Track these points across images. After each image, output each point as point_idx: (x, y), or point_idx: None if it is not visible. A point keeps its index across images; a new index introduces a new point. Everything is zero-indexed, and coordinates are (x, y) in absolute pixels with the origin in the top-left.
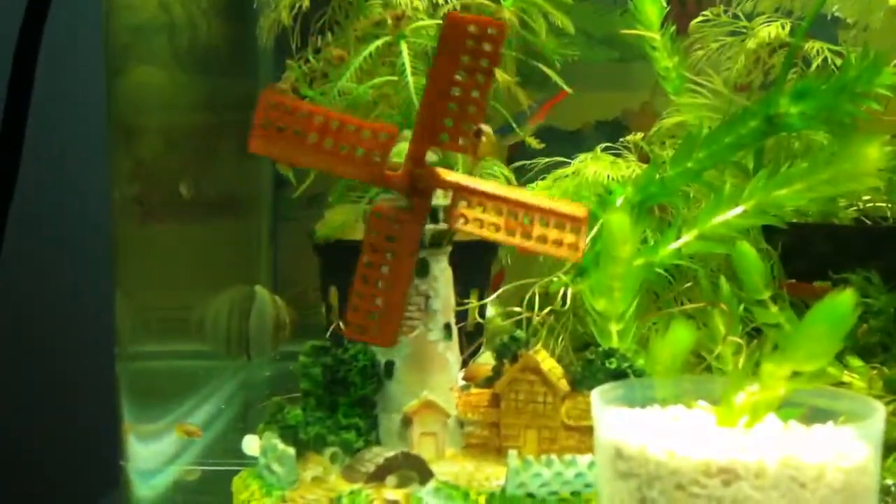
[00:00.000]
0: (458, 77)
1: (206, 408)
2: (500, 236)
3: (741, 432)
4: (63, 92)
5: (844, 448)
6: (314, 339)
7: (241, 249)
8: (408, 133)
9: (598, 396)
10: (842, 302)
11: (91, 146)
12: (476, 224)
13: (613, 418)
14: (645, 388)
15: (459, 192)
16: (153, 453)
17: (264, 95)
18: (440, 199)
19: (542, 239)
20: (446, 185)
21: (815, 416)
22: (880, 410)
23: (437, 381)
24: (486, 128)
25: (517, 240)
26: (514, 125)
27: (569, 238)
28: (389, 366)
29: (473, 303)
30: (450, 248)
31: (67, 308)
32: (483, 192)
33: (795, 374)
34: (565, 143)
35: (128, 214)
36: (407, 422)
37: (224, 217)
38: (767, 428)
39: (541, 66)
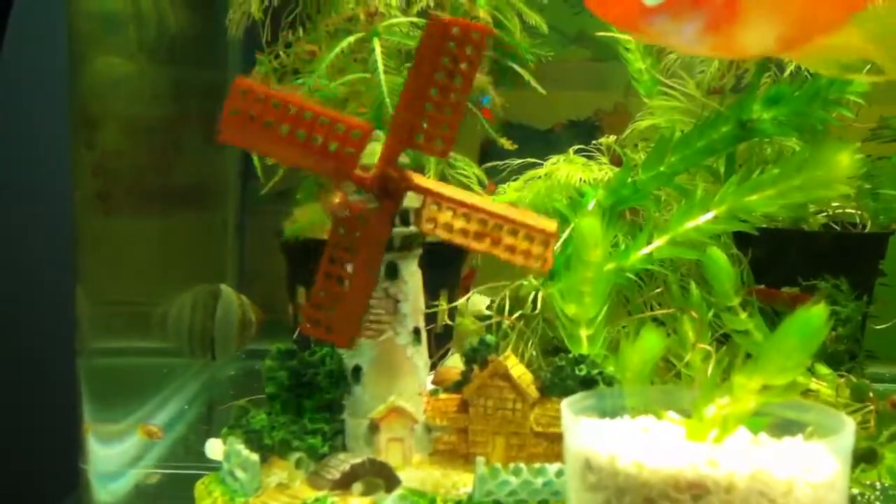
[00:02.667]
0: (437, 78)
1: (169, 408)
2: (468, 241)
3: (711, 446)
4: (24, 79)
5: (814, 463)
6: (281, 338)
7: (206, 244)
8: (380, 134)
9: (568, 406)
10: (813, 316)
11: (52, 136)
12: (445, 228)
13: (583, 429)
14: (615, 397)
15: (430, 196)
16: (114, 455)
17: (236, 82)
18: (412, 201)
19: (511, 249)
20: (418, 189)
21: (785, 426)
22: (850, 425)
23: (405, 386)
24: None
25: (485, 246)
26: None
27: (537, 249)
28: (357, 370)
29: (443, 305)
30: (420, 252)
31: (27, 302)
32: (453, 198)
33: (766, 387)
34: (537, 142)
35: (89, 207)
36: (374, 427)
37: (188, 210)
38: (737, 441)
39: (514, 66)
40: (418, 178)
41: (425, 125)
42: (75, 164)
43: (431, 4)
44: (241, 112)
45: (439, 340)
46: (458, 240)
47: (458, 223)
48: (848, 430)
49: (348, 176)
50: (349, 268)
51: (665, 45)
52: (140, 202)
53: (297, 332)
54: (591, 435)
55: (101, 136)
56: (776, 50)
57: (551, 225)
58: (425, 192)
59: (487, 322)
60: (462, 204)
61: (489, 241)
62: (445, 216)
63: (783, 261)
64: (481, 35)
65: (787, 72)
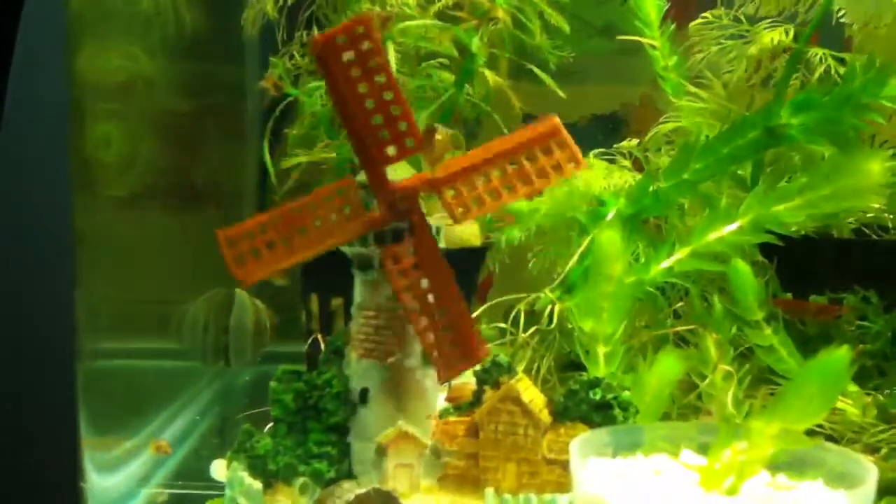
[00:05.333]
0: (361, 91)
1: (182, 418)
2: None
3: (725, 499)
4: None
5: None
6: (297, 341)
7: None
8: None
9: (579, 446)
10: (835, 360)
11: (51, 128)
12: (478, 205)
13: (590, 473)
14: (629, 433)
15: (440, 185)
16: (118, 473)
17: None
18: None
19: (542, 172)
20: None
21: (804, 462)
22: (872, 472)
23: (413, 409)
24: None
25: (523, 191)
26: None
27: (561, 155)
28: (364, 392)
29: None
30: None
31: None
32: (460, 171)
33: (785, 432)
34: None
35: (90, 203)
36: (381, 452)
37: (203, 209)
38: (753, 489)
39: (534, 68)
40: (417, 178)
41: (385, 135)
42: (74, 156)
43: (450, 4)
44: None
45: None
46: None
47: (484, 189)
48: (871, 478)
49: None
50: (431, 297)
51: None
52: (152, 200)
53: (310, 340)
54: (598, 481)
55: (103, 128)
56: None
57: (549, 122)
58: (432, 185)
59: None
60: (472, 169)
61: (519, 182)
62: (468, 193)
63: (811, 269)
64: (366, 25)
65: (817, 74)
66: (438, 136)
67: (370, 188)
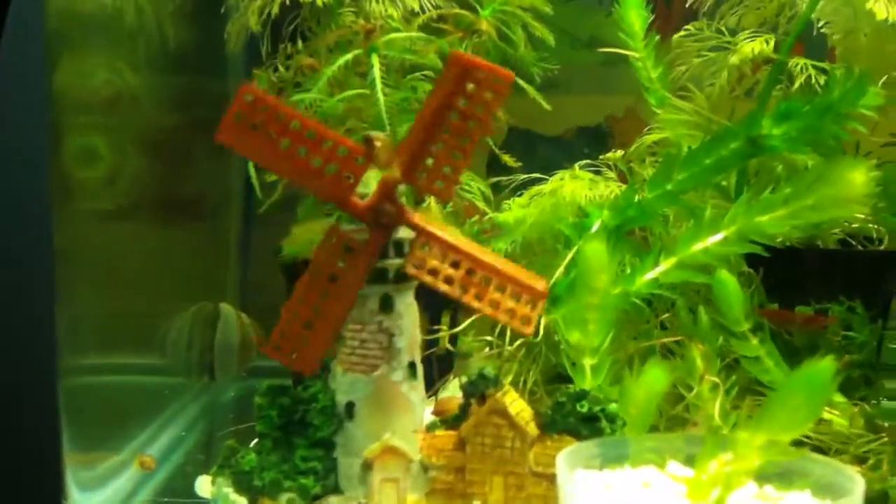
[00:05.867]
0: (450, 119)
1: (166, 433)
2: (452, 290)
3: None
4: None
5: None
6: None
7: (205, 257)
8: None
9: (564, 461)
10: (821, 370)
11: (32, 139)
12: (430, 274)
13: (579, 486)
14: (616, 446)
15: (423, 236)
16: (102, 490)
17: (242, 88)
18: (408, 232)
19: (495, 304)
20: (412, 226)
21: (791, 474)
22: (860, 484)
23: (400, 423)
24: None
25: (469, 298)
26: None
27: (523, 310)
28: (350, 406)
29: (444, 331)
30: (416, 283)
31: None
32: (446, 242)
33: (771, 443)
34: (547, 149)
35: (71, 216)
36: (367, 466)
37: (187, 223)
38: (740, 500)
39: (518, 80)
40: (414, 215)
41: (430, 163)
42: (54, 167)
43: (435, 17)
44: (244, 118)
45: (441, 365)
46: (443, 287)
47: (445, 269)
48: (857, 489)
49: (343, 201)
50: (324, 296)
51: None
52: (135, 213)
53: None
54: (585, 493)
55: (85, 139)
56: None
57: (540, 284)
58: (420, 230)
59: (489, 354)
60: (454, 249)
61: (474, 293)
62: (433, 261)
63: (796, 280)
64: (506, 83)
65: (797, 84)
66: (378, 143)
67: (352, 218)
